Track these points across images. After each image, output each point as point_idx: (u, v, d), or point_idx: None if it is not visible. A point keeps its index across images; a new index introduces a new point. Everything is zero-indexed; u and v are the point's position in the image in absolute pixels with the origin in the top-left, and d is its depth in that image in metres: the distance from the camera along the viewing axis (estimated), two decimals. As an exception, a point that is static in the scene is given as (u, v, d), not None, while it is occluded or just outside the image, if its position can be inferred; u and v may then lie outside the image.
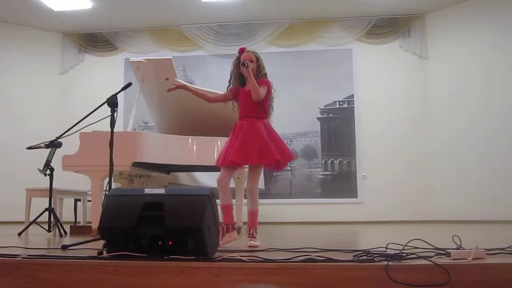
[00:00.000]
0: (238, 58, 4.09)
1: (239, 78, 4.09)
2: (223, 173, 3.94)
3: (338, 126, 9.31)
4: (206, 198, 2.67)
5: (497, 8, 8.36)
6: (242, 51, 4.13)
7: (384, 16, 9.32)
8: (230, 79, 4.20)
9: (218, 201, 2.96)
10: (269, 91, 4.07)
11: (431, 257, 2.38)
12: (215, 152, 5.35)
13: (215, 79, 9.15)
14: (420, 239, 2.73)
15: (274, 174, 9.15)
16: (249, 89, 3.94)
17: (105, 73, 9.78)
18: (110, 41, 9.90)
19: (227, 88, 4.22)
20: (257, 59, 4.10)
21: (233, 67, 4.14)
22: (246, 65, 3.89)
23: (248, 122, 3.97)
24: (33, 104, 9.50)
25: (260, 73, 4.08)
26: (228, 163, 3.88)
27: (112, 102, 3.64)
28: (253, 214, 3.87)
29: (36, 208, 5.66)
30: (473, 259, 2.30)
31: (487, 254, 2.45)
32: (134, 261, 2.47)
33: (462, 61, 8.73)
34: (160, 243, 2.56)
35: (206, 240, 2.54)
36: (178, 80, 4.09)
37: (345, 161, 9.18)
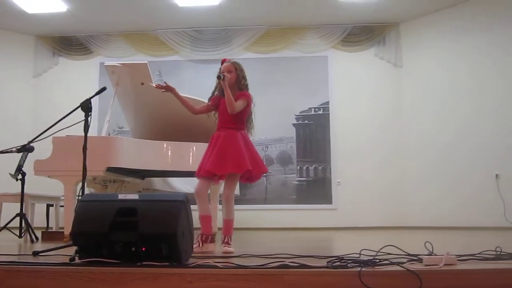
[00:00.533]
0: (220, 69, 4.07)
1: (220, 88, 4.06)
2: (201, 184, 3.95)
3: (313, 132, 9.37)
4: (180, 204, 2.66)
5: (468, 19, 8.52)
6: (223, 62, 4.13)
7: (359, 24, 9.43)
8: (215, 89, 4.15)
9: (193, 207, 2.94)
10: (248, 105, 4.04)
11: (403, 263, 2.41)
12: (190, 158, 5.33)
13: (191, 84, 9.12)
14: (393, 245, 2.76)
15: (250, 180, 9.13)
16: None
17: (80, 77, 9.67)
18: (85, 45, 9.80)
19: (209, 98, 4.19)
20: (237, 70, 4.08)
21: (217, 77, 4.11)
22: (222, 77, 3.87)
23: (225, 133, 3.96)
24: (5, 107, 9.34)
25: (240, 84, 4.05)
26: (205, 174, 3.88)
27: (86, 106, 3.60)
28: (228, 223, 3.87)
29: (7, 213, 5.56)
30: (444, 265, 2.33)
31: (458, 260, 2.48)
32: (107, 267, 2.44)
33: (434, 69, 8.88)
34: (133, 249, 2.54)
35: (180, 246, 2.53)
36: (160, 84, 4.05)
37: (320, 168, 9.23)
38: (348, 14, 9.05)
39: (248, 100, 4.02)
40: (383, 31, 9.41)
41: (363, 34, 9.49)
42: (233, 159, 3.85)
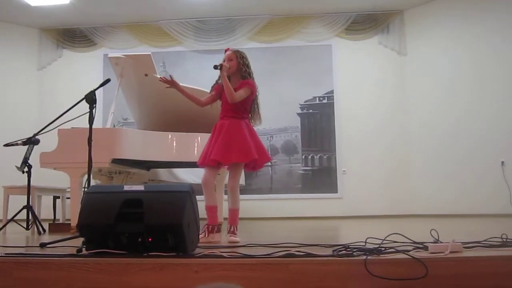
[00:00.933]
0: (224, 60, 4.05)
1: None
2: (207, 173, 3.94)
3: (318, 121, 9.35)
4: (185, 194, 2.66)
5: (474, 6, 8.48)
6: (226, 51, 4.12)
7: (363, 12, 9.37)
8: (218, 78, 4.12)
9: (198, 198, 2.95)
10: (252, 93, 4.01)
11: (409, 251, 2.41)
12: (195, 148, 5.34)
13: (194, 74, 9.12)
14: (398, 233, 2.76)
15: (255, 170, 9.15)
16: (233, 88, 3.91)
17: (84, 69, 9.68)
18: (88, 37, 9.79)
19: (212, 87, 4.16)
20: (238, 58, 4.05)
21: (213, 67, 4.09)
22: (218, 67, 3.86)
23: (229, 122, 3.95)
24: (10, 100, 9.37)
25: (242, 72, 4.02)
26: (210, 163, 3.88)
27: (90, 98, 3.62)
28: (234, 212, 3.88)
29: (14, 205, 5.60)
30: (450, 252, 2.34)
31: (464, 247, 2.48)
32: (114, 258, 2.46)
33: (438, 57, 8.84)
34: (139, 240, 2.55)
35: (186, 236, 2.53)
36: (165, 77, 4.03)
37: (325, 157, 9.23)
38: (351, 2, 9.01)
39: (252, 89, 3.99)
40: (387, 19, 9.36)
41: (367, 22, 9.43)
42: (239, 148, 3.85)
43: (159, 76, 4.18)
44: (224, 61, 3.97)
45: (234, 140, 3.88)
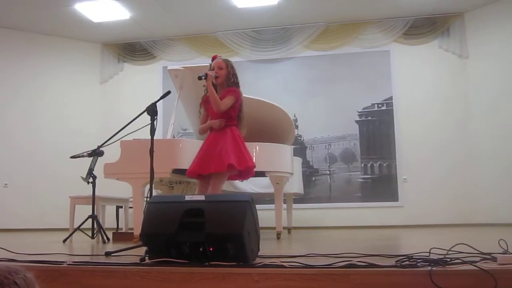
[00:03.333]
0: (211, 66, 4.15)
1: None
2: (200, 185, 4.13)
3: (377, 128, 9.20)
4: (246, 204, 2.67)
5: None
6: (214, 58, 4.19)
7: (421, 16, 9.18)
8: (206, 89, 4.22)
9: (259, 206, 2.96)
10: (237, 101, 4.09)
11: (476, 262, 2.31)
12: (254, 157, 5.35)
13: (251, 84, 9.18)
14: (464, 244, 2.67)
15: (313, 178, 9.11)
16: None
17: (144, 82, 9.94)
18: (148, 50, 10.06)
19: (200, 104, 4.32)
20: (229, 67, 4.12)
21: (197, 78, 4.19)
22: (202, 77, 3.92)
23: (215, 133, 4.09)
24: (75, 113, 9.74)
25: (229, 81, 4.12)
26: (190, 174, 4.07)
27: (151, 110, 3.69)
28: None
29: (80, 215, 5.79)
30: (521, 264, 2.24)
31: (535, 258, 2.37)
32: (176, 267, 2.49)
33: (503, 59, 8.51)
34: (201, 249, 2.58)
35: (246, 246, 2.54)
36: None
37: (385, 164, 9.06)
38: (409, 6, 8.83)
39: (236, 96, 4.07)
40: (447, 22, 9.12)
41: (425, 26, 9.23)
42: (216, 157, 3.95)
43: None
44: (212, 69, 4.03)
45: (214, 150, 3.99)
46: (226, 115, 4.12)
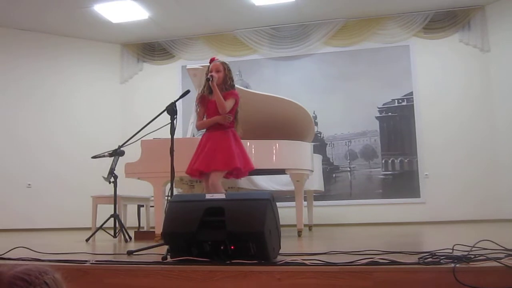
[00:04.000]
0: (208, 68, 4.23)
1: (207, 88, 4.26)
2: (205, 183, 4.26)
3: (397, 124, 9.12)
4: (266, 202, 2.67)
5: None
6: (211, 61, 4.28)
7: (441, 10, 9.06)
8: (203, 88, 4.35)
9: (279, 204, 2.96)
10: (236, 103, 4.22)
11: (501, 258, 2.28)
12: (274, 155, 5.35)
13: (270, 82, 9.19)
14: (488, 240, 2.63)
15: (333, 175, 9.07)
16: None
17: (163, 81, 10.00)
18: (167, 50, 10.11)
19: (196, 102, 4.42)
20: (226, 69, 4.24)
21: (205, 76, 4.29)
22: (210, 79, 4.02)
23: (217, 133, 4.19)
24: (96, 113, 9.84)
25: (227, 84, 4.23)
26: (193, 172, 4.17)
27: (171, 110, 3.71)
28: None
29: (102, 214, 5.85)
30: (547, 260, 2.20)
31: (562, 254, 2.33)
32: (198, 266, 2.50)
33: (527, 52, 8.36)
34: (222, 247, 2.58)
35: (267, 244, 2.54)
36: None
37: (406, 160, 8.98)
38: (429, 0, 8.72)
39: (236, 99, 4.21)
40: (468, 15, 8.99)
41: (446, 19, 9.11)
42: (222, 157, 4.08)
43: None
44: (210, 71, 4.14)
45: (219, 150, 4.10)
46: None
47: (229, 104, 4.15)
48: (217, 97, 4.08)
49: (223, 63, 4.31)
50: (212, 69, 4.18)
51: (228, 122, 4.19)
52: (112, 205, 5.66)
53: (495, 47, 8.81)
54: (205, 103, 4.33)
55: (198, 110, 4.44)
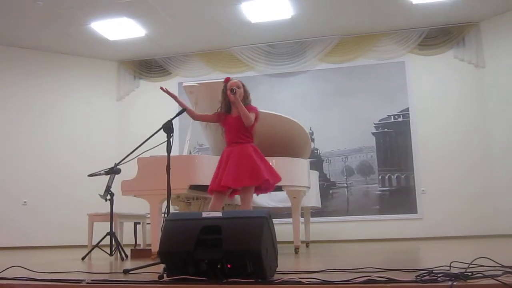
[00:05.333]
0: (225, 87, 4.27)
1: (225, 105, 4.33)
2: (215, 200, 4.20)
3: (394, 140, 9.15)
4: (263, 220, 2.66)
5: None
6: (227, 80, 4.35)
7: (436, 26, 9.14)
8: (220, 107, 4.40)
9: (276, 220, 2.95)
10: (256, 118, 4.28)
11: (498, 276, 2.27)
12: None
13: (266, 98, 9.20)
14: (485, 257, 2.62)
15: (330, 191, 9.07)
16: (236, 116, 4.22)
17: (160, 98, 9.83)
18: (163, 66, 10.15)
19: (216, 113, 4.44)
20: (244, 86, 4.34)
21: (222, 95, 4.34)
22: (234, 91, 4.08)
23: (238, 148, 4.19)
24: (93, 130, 9.84)
25: (247, 99, 4.31)
26: (221, 188, 4.12)
27: (167, 128, 3.72)
28: None
29: (98, 231, 5.82)
30: (545, 277, 2.19)
31: (559, 271, 2.32)
32: (194, 284, 2.49)
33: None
34: (219, 266, 2.57)
35: (264, 263, 2.53)
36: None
37: (402, 176, 8.99)
38: (423, 17, 8.80)
39: (257, 114, 4.29)
40: (462, 32, 9.06)
41: (440, 36, 9.18)
42: (249, 172, 4.08)
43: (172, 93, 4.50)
44: (231, 87, 4.22)
45: (245, 165, 4.10)
46: (247, 132, 4.28)
47: (252, 118, 4.22)
48: (241, 109, 4.15)
49: (240, 81, 4.39)
50: (232, 86, 4.24)
51: (250, 123, 4.20)
52: (109, 223, 5.63)
53: (489, 63, 8.88)
54: (221, 119, 4.38)
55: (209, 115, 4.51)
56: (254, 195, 4.47)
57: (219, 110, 4.41)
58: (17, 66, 9.39)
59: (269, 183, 4.21)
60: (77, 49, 9.66)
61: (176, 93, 9.66)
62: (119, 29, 8.80)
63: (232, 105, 4.31)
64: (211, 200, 4.26)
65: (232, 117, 4.30)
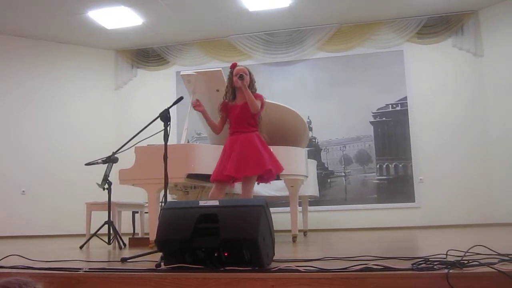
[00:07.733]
0: (231, 73, 4.22)
1: (232, 93, 4.28)
2: (216, 189, 4.17)
3: (391, 129, 9.15)
4: (260, 208, 2.67)
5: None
6: (234, 66, 4.29)
7: (435, 15, 9.11)
8: (225, 94, 4.35)
9: (273, 209, 2.95)
10: (262, 106, 4.23)
11: (494, 263, 2.28)
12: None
13: (265, 87, 9.12)
14: (482, 245, 2.63)
15: (328, 180, 9.08)
16: (241, 104, 4.17)
17: (158, 87, 9.99)
18: (161, 56, 10.11)
19: (218, 108, 4.41)
20: (250, 74, 4.29)
21: (228, 82, 4.30)
22: (242, 77, 4.03)
23: (242, 137, 4.16)
24: (90, 119, 9.82)
25: (252, 87, 4.25)
26: (224, 178, 4.10)
27: (164, 116, 3.71)
28: None
29: (96, 220, 5.83)
30: (541, 265, 2.20)
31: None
32: (191, 273, 2.49)
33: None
34: (216, 254, 2.58)
35: (261, 251, 2.54)
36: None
37: (400, 165, 9.00)
38: (422, 5, 8.77)
39: (262, 101, 4.23)
40: (461, 20, 9.03)
41: (439, 24, 9.15)
42: (253, 161, 4.04)
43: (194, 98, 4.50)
44: (236, 74, 4.18)
45: (248, 154, 4.07)
46: (252, 120, 4.24)
47: (258, 105, 4.18)
48: (248, 95, 4.10)
49: (247, 68, 4.34)
50: (239, 72, 4.19)
51: (257, 110, 4.16)
52: (107, 212, 5.64)
53: (488, 52, 8.86)
54: (227, 109, 4.33)
55: (220, 115, 4.44)
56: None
57: (224, 99, 4.36)
58: (15, 55, 9.35)
59: (271, 173, 4.18)
60: (75, 38, 9.61)
61: (173, 83, 9.64)
62: (117, 17, 8.75)
63: (237, 92, 4.26)
64: (212, 189, 4.24)
65: (238, 105, 4.25)
